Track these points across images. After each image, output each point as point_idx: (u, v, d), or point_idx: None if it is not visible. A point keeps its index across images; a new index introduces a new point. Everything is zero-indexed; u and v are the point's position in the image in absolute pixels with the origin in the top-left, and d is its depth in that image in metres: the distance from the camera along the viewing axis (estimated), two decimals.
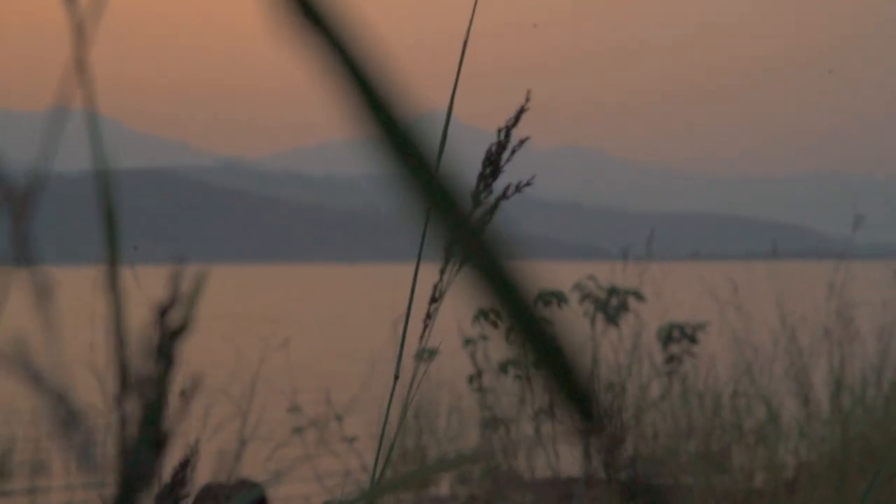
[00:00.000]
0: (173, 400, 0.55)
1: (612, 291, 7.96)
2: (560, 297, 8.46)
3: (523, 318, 0.40)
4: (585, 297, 8.00)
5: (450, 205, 0.37)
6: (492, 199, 1.32)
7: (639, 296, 8.03)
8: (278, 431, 8.95)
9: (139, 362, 0.52)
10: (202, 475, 7.33)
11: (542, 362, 0.39)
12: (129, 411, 0.52)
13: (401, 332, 1.44)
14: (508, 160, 1.33)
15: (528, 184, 1.33)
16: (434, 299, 1.34)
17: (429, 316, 1.36)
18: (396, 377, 1.42)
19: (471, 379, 8.42)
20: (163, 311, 0.53)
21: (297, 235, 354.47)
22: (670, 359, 8.05)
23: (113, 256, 0.51)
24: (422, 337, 1.35)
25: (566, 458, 8.38)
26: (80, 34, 0.55)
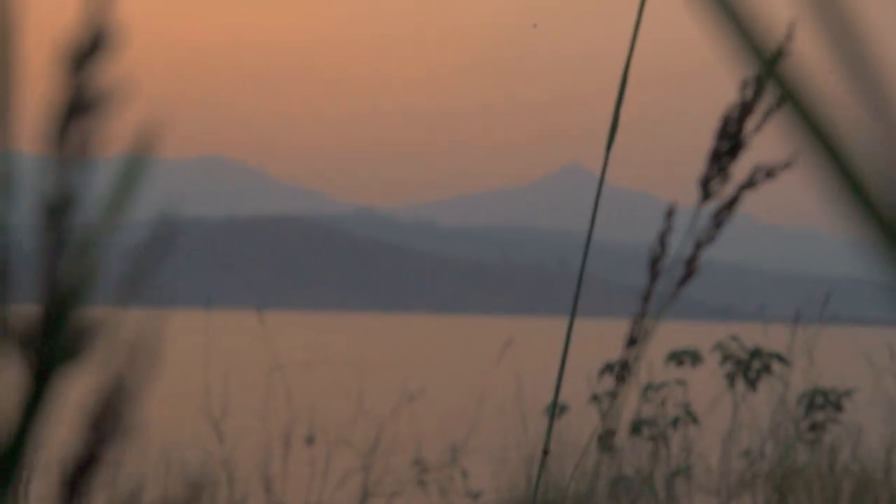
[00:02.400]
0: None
1: (755, 353, 7.62)
2: (694, 356, 8.14)
3: None
4: (727, 357, 7.68)
5: None
6: (731, 187, 0.92)
7: (782, 359, 7.67)
8: (401, 484, 8.78)
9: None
10: None
11: None
12: None
13: (552, 398, 1.22)
14: (758, 129, 0.88)
15: (787, 165, 0.88)
16: (633, 341, 1.06)
17: (626, 365, 1.09)
18: (546, 452, 1.16)
19: (600, 438, 8.16)
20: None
21: (430, 286, 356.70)
22: (813, 426, 7.68)
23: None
24: (617, 388, 1.10)
25: None
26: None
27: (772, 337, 8.06)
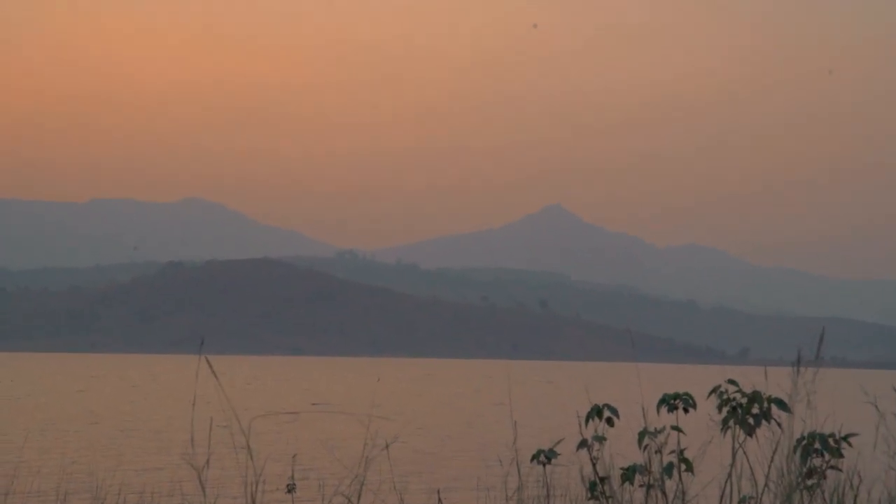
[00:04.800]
0: None
1: (755, 398, 7.35)
2: (687, 401, 7.89)
3: None
4: (725, 402, 7.41)
5: None
6: None
7: (782, 404, 7.40)
8: None
9: None
10: None
11: None
12: None
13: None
14: None
15: None
16: None
17: None
18: None
19: (592, 486, 7.85)
20: None
21: (412, 329, 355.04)
22: (811, 472, 7.41)
23: None
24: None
25: None
26: None
27: (759, 379, 7.81)
